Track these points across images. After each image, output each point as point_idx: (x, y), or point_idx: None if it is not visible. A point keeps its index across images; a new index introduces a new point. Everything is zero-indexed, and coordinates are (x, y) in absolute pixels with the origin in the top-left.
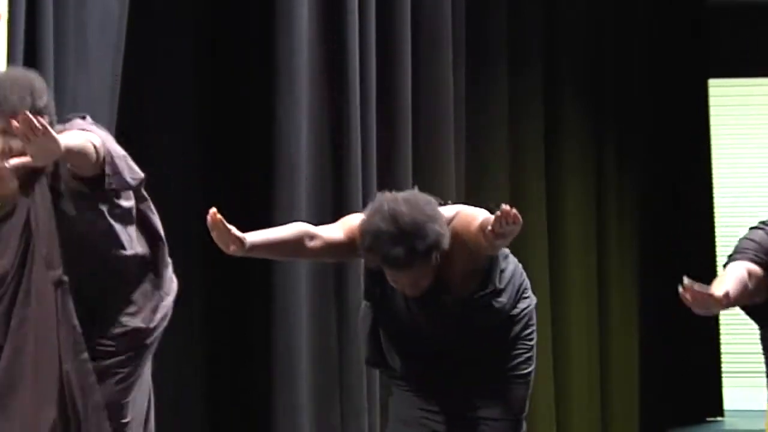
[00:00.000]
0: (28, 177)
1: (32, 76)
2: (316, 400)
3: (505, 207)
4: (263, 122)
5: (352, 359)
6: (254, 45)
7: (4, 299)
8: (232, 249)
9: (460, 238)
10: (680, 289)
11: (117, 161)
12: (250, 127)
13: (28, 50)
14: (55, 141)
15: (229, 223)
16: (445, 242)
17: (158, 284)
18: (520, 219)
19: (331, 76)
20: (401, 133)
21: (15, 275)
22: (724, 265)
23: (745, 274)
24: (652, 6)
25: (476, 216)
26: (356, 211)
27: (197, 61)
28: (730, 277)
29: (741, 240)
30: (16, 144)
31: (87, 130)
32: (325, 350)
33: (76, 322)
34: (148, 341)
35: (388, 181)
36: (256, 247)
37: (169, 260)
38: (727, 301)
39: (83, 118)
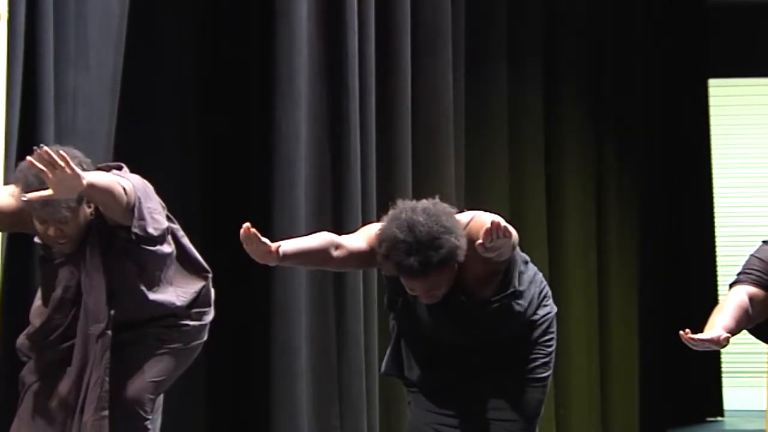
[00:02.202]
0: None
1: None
2: (315, 400)
3: (494, 220)
4: (263, 122)
5: (352, 359)
6: (254, 45)
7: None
8: (266, 260)
9: (474, 243)
10: (681, 333)
11: (144, 209)
12: (250, 126)
13: (28, 50)
14: (76, 175)
15: (229, 223)
16: (461, 254)
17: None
18: (511, 232)
19: (331, 76)
20: (401, 133)
21: (64, 320)
22: (731, 285)
23: (746, 300)
24: (652, 6)
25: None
26: (356, 211)
27: (197, 60)
28: (731, 305)
29: (750, 257)
30: (68, 228)
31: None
32: (324, 350)
33: (106, 376)
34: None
35: (388, 181)
36: (287, 256)
37: (212, 291)
38: (727, 342)
39: (119, 168)
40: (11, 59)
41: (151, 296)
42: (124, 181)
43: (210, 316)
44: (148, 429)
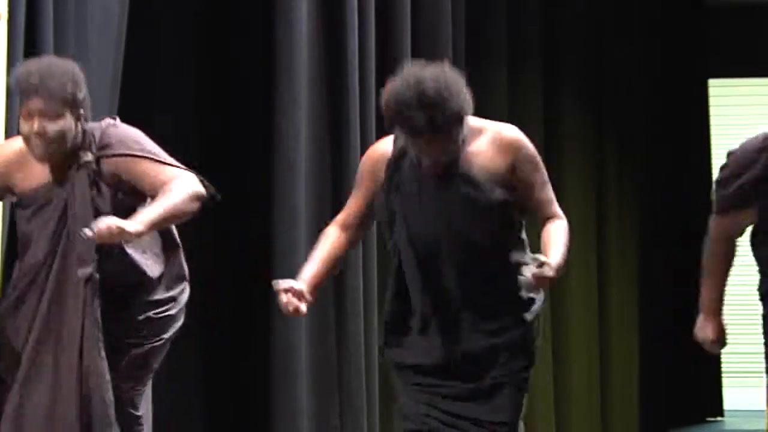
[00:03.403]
0: (65, 165)
1: (73, 66)
2: (315, 400)
3: (535, 272)
4: (263, 121)
5: (352, 359)
6: (254, 45)
7: (33, 290)
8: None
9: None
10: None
11: None
12: (250, 126)
13: (28, 49)
14: (129, 235)
15: (229, 223)
16: (467, 117)
17: (175, 281)
18: (551, 271)
19: (331, 76)
20: None
21: (45, 268)
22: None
23: (725, 258)
24: (652, 6)
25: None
26: None
27: (197, 60)
28: (717, 283)
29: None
30: (51, 126)
31: (164, 163)
32: (325, 350)
33: (99, 318)
34: (166, 336)
35: None
36: (315, 284)
37: (184, 265)
38: (724, 339)
39: (114, 119)
40: (11, 59)
41: (129, 251)
42: (190, 181)
43: (185, 295)
44: (142, 425)
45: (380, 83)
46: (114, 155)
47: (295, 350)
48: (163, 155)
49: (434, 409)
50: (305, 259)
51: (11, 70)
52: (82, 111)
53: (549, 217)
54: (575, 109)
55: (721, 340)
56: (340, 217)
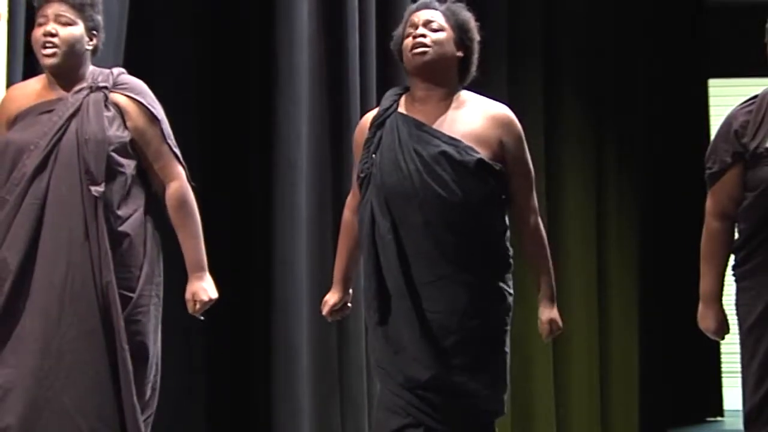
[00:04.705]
0: (73, 86)
1: None
2: (316, 399)
3: (544, 330)
4: (263, 121)
5: (353, 359)
6: (254, 45)
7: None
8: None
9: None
10: None
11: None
12: (250, 126)
13: (28, 49)
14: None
15: (229, 223)
16: (474, 37)
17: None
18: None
19: (332, 76)
20: None
21: (34, 178)
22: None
23: (720, 241)
24: (652, 6)
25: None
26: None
27: (197, 60)
28: (714, 270)
29: (710, 177)
30: (63, 30)
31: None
32: (325, 350)
33: (107, 243)
34: (156, 281)
35: None
36: (348, 279)
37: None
38: (725, 327)
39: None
40: (11, 59)
41: (115, 210)
42: (189, 189)
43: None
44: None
45: (380, 83)
46: (133, 99)
47: (295, 350)
48: (170, 132)
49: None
50: (305, 259)
51: (11, 70)
52: (95, 31)
53: (525, 214)
54: (575, 109)
55: (722, 328)
56: (350, 199)
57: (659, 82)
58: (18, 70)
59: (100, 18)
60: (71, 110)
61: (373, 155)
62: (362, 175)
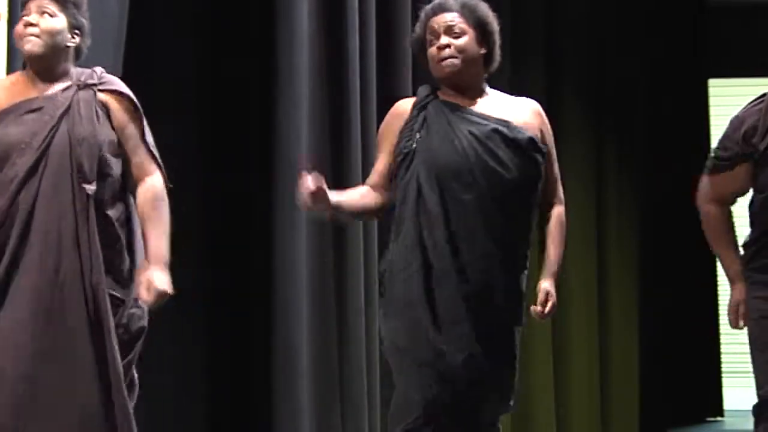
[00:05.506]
0: (56, 81)
1: None
2: (316, 400)
3: (536, 310)
4: (263, 122)
5: (353, 359)
6: (254, 45)
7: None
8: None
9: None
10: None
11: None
12: (250, 126)
13: None
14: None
15: (229, 223)
16: (494, 30)
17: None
18: (553, 306)
19: (332, 76)
20: None
21: (26, 180)
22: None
23: (719, 221)
24: (653, 6)
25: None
26: None
27: (197, 60)
28: (724, 251)
29: (714, 162)
30: (44, 20)
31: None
32: (325, 350)
33: (98, 242)
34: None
35: None
36: (337, 201)
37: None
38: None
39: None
40: (11, 59)
41: (106, 211)
42: (164, 189)
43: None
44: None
45: (381, 83)
46: (117, 92)
47: (295, 349)
48: (149, 132)
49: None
50: (305, 259)
51: (11, 69)
52: (78, 30)
53: (553, 201)
54: (575, 109)
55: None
56: (369, 180)
57: (659, 82)
58: (18, 70)
59: (84, 21)
60: (62, 109)
61: (418, 134)
62: (405, 151)
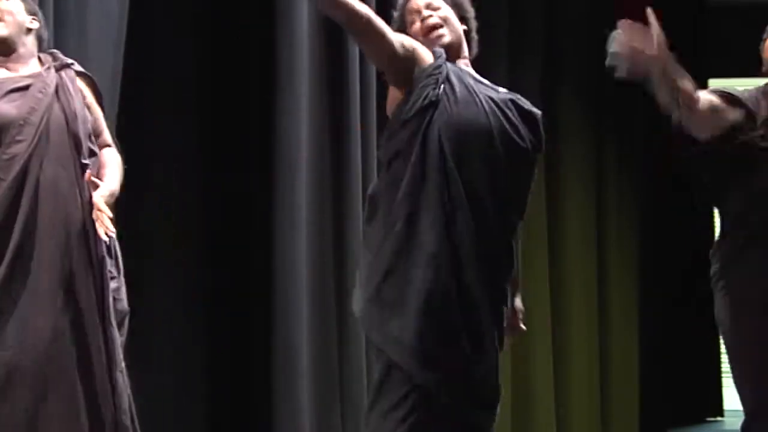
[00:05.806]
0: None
1: None
2: (316, 400)
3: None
4: (263, 122)
5: (353, 359)
6: (254, 45)
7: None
8: None
9: None
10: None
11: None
12: (250, 126)
13: None
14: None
15: (229, 224)
16: (470, 9)
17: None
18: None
19: (332, 76)
20: None
21: (32, 156)
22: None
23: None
24: (653, 6)
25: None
26: (357, 212)
27: (197, 60)
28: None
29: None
30: (5, 4)
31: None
32: (325, 350)
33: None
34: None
35: None
36: None
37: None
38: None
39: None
40: None
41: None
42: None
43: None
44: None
45: (380, 83)
46: (84, 74)
47: (295, 349)
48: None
49: None
50: (305, 259)
51: None
52: (35, 16)
53: None
54: (575, 109)
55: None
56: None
57: None
58: None
59: (38, 10)
60: (52, 87)
61: (443, 85)
62: (434, 99)
